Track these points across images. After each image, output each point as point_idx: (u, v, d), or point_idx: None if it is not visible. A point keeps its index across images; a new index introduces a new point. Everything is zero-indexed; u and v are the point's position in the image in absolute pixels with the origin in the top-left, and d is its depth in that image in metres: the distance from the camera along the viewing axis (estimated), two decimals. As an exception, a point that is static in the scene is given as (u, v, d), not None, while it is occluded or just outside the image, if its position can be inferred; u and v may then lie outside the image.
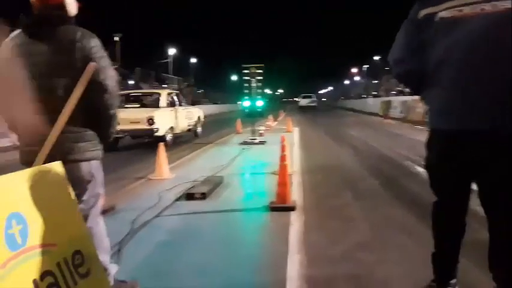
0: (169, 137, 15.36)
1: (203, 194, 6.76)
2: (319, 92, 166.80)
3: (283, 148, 6.61)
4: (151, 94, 17.18)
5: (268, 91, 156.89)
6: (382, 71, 79.74)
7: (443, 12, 2.90)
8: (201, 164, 10.19)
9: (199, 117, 19.20)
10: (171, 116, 15.99)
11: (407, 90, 28.87)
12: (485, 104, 2.75)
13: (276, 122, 25.81)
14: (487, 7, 2.77)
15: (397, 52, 3.14)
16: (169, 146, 14.33)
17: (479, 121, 2.77)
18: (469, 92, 2.79)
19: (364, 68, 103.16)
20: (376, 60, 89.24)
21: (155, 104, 15.84)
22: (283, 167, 6.29)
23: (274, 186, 6.61)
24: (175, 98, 17.04)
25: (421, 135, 14.13)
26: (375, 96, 58.77)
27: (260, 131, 16.79)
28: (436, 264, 3.27)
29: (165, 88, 21.92)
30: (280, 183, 6.20)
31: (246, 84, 19.98)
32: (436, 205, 3.21)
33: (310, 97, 61.16)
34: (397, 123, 23.81)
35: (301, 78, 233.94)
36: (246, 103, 19.85)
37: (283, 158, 6.41)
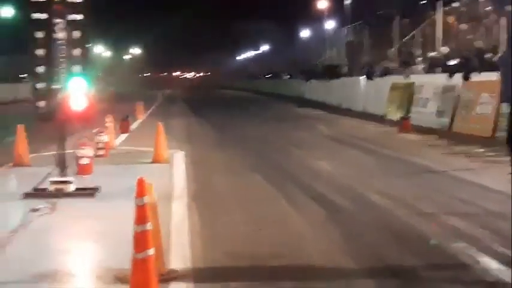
0: None
1: None
2: (239, 58, 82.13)
3: (140, 212, 3.28)
4: None
5: (102, 51, 66.33)
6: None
7: None
8: None
9: None
10: None
11: (451, 60, 15.66)
12: None
13: (125, 135, 13.63)
14: None
15: None
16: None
17: None
18: None
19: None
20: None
21: None
22: (141, 263, 3.15)
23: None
24: None
25: (488, 176, 8.09)
26: (368, 74, 21.44)
27: (82, 160, 8.16)
28: None
29: None
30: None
31: (39, 35, 6.61)
32: None
33: None
34: (433, 143, 12.19)
35: (197, 20, 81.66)
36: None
37: (141, 239, 3.16)
